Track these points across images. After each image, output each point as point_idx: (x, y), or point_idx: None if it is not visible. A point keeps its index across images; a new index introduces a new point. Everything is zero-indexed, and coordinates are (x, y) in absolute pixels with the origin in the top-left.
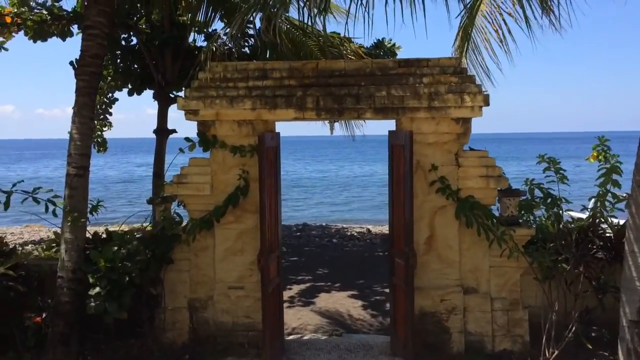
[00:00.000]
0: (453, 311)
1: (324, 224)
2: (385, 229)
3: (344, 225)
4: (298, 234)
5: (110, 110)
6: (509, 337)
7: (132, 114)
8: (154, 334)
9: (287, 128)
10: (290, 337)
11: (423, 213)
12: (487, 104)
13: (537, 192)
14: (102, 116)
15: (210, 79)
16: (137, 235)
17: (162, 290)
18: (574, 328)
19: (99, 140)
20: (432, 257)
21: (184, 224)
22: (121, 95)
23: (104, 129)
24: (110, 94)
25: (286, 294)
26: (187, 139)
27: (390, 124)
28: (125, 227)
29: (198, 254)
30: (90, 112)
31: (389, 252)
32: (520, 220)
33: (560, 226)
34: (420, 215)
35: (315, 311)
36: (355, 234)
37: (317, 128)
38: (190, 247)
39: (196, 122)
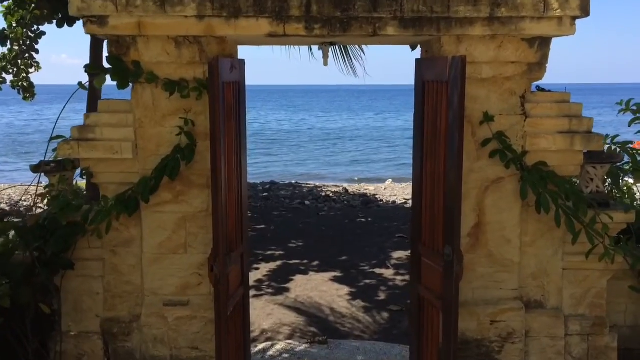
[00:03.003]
0: (509, 338)
1: (294, 181)
2: (364, 187)
3: (317, 184)
4: (265, 194)
5: (36, 47)
6: None
7: (81, 59)
8: None
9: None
10: (259, 348)
11: (468, 189)
12: (586, 13)
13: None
14: (26, 54)
15: None
16: (18, 223)
17: (60, 307)
18: None
19: (24, 84)
20: (480, 256)
21: (92, 204)
22: (53, 29)
23: (30, 70)
24: (35, 27)
25: (252, 277)
26: (91, 68)
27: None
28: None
29: (116, 251)
30: None
31: (413, 247)
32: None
33: None
34: (464, 192)
35: (289, 305)
36: (331, 194)
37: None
38: (103, 240)
39: (105, 40)
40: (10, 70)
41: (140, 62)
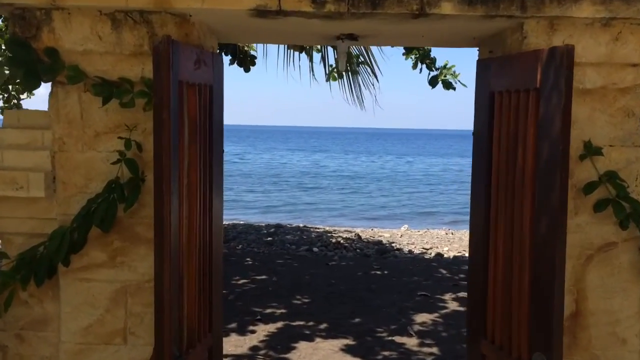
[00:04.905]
0: None
1: (301, 224)
2: (378, 233)
3: (327, 228)
4: (269, 238)
5: None
6: None
7: None
8: None
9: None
10: None
11: None
12: None
13: None
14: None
15: None
16: None
17: None
18: None
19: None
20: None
21: None
22: None
23: (22, 96)
24: None
25: (247, 342)
26: None
27: None
28: None
29: (24, 336)
30: None
31: (471, 340)
32: None
33: None
34: None
35: None
36: (342, 240)
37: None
38: (4, 319)
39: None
40: (0, 96)
41: (58, 50)
